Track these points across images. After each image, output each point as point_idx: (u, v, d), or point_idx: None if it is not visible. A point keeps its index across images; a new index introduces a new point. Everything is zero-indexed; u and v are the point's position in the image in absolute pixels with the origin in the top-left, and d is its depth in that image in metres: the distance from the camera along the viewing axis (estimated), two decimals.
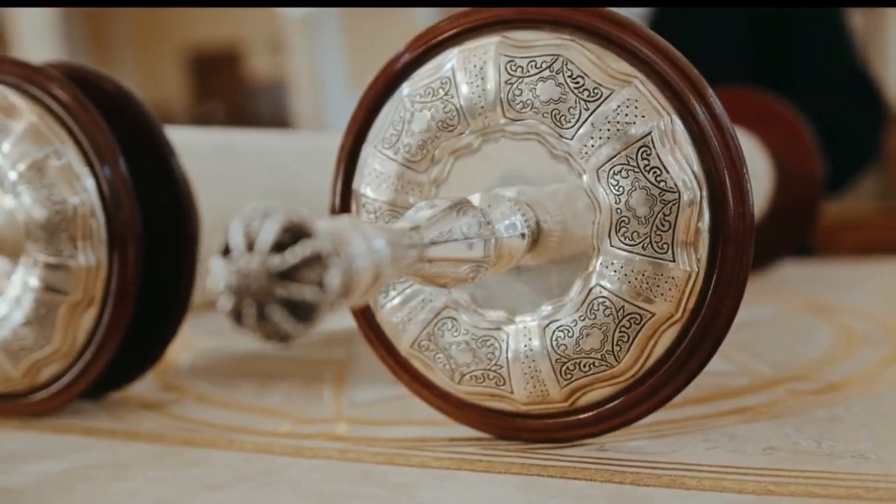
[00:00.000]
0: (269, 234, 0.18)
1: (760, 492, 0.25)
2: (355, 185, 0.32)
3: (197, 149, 0.41)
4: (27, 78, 0.37)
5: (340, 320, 0.48)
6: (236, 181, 0.48)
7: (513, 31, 0.30)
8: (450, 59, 0.30)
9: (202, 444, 0.34)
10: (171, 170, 0.40)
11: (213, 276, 0.19)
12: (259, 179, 0.48)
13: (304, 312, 0.18)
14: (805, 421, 0.31)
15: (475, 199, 0.27)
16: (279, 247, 0.18)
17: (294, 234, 0.18)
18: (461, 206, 0.25)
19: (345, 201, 0.33)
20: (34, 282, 0.36)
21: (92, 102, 0.37)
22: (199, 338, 0.55)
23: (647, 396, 0.29)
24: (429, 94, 0.31)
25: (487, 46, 0.30)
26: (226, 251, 0.19)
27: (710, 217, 0.27)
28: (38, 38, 4.20)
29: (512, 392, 0.30)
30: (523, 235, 0.27)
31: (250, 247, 0.18)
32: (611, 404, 0.29)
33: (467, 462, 0.30)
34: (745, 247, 0.27)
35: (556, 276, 0.30)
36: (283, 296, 0.18)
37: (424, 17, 1.05)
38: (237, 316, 0.19)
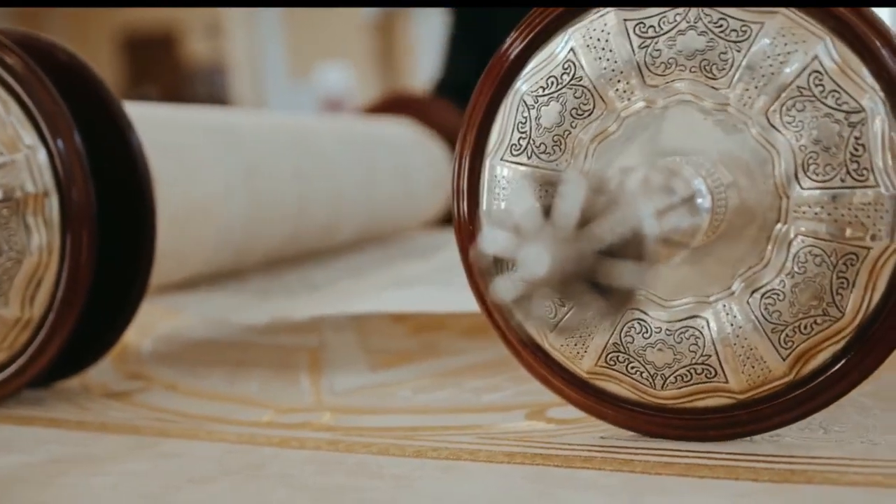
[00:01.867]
0: (575, 203, 0.17)
1: (778, 479, 0.25)
2: (486, 206, 0.30)
3: (145, 122, 0.39)
4: None
5: (307, 308, 0.46)
6: (190, 157, 0.46)
7: None
8: (565, 42, 0.28)
9: (180, 435, 0.32)
10: (130, 145, 0.38)
11: (532, 258, 0.17)
12: (215, 156, 0.47)
13: (620, 296, 0.17)
14: None
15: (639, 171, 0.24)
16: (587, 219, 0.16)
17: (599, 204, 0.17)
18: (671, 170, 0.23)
19: (476, 229, 0.30)
20: None
21: (44, 72, 0.35)
22: (161, 322, 0.53)
23: (878, 342, 0.26)
24: (552, 83, 0.28)
25: (605, 17, 0.28)
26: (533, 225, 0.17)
27: None
28: None
29: (727, 381, 0.27)
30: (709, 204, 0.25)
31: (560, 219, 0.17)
32: (842, 362, 0.26)
33: (466, 452, 0.29)
34: None
35: (732, 247, 0.27)
36: (602, 280, 0.16)
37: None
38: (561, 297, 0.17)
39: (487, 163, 0.30)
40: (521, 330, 0.30)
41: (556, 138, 0.28)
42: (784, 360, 0.26)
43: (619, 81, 0.27)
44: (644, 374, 0.28)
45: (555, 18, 0.28)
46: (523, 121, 0.29)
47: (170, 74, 5.78)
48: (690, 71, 0.26)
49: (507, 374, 0.38)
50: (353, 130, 0.69)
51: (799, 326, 0.26)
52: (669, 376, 0.28)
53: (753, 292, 0.27)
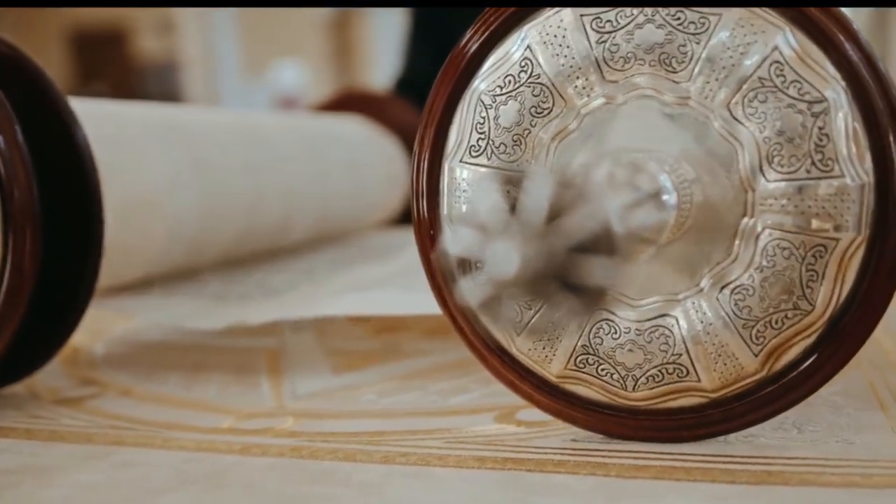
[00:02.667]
0: (541, 199, 0.16)
1: (754, 481, 0.24)
2: (447, 210, 0.29)
3: (86, 116, 0.38)
4: None
5: (268, 312, 0.45)
6: (131, 150, 0.45)
7: None
8: (521, 40, 0.27)
9: (135, 443, 0.31)
10: (74, 139, 0.36)
11: (500, 256, 0.16)
12: (159, 148, 0.45)
13: (591, 294, 0.16)
14: None
15: (603, 166, 0.23)
16: (554, 214, 0.16)
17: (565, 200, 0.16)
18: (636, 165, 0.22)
19: (437, 231, 0.29)
20: None
21: None
22: (114, 325, 0.51)
23: (849, 335, 0.25)
24: (510, 82, 0.27)
25: (562, 13, 0.27)
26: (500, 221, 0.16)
27: (861, 116, 0.24)
28: None
29: (699, 380, 0.27)
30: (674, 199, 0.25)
31: (530, 214, 0.16)
32: (814, 356, 0.26)
33: (435, 457, 0.28)
34: None
35: (698, 243, 0.26)
36: (574, 277, 0.15)
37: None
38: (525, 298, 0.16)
39: (446, 165, 0.29)
40: (486, 334, 0.29)
41: (515, 137, 0.28)
42: (756, 356, 0.26)
43: (577, 78, 0.27)
44: (615, 376, 0.27)
45: (510, 16, 0.28)
46: (482, 121, 0.28)
47: (120, 72, 5.68)
48: (650, 65, 0.26)
49: (472, 376, 0.37)
50: (304, 126, 0.68)
51: (770, 321, 0.26)
52: (640, 377, 0.27)
53: (722, 288, 0.26)
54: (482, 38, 0.28)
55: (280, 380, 0.38)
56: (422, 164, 0.29)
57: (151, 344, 0.47)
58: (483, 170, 0.28)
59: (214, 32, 4.78)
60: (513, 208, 0.16)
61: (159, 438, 0.31)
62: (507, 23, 0.28)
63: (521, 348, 0.28)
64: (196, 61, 4.80)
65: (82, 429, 0.33)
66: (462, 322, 0.29)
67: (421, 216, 0.29)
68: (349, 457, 0.28)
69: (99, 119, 0.44)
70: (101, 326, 0.51)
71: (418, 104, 0.89)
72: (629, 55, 0.26)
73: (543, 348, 0.28)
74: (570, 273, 0.16)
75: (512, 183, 0.16)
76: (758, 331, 0.26)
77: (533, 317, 0.27)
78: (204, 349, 0.45)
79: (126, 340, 0.48)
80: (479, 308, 0.17)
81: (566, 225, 0.16)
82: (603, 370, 0.28)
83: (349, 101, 0.87)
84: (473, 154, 0.28)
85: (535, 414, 0.31)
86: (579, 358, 0.28)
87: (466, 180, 0.28)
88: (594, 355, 0.28)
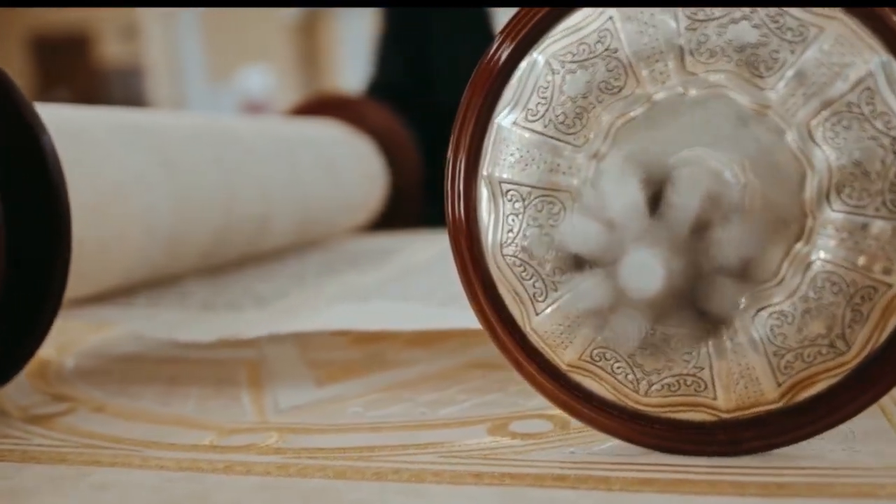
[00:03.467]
0: (690, 208, 0.14)
1: (764, 493, 0.24)
2: (487, 169, 0.27)
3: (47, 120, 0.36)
4: None
5: (259, 324, 0.43)
6: (96, 150, 0.43)
7: None
8: (602, 10, 0.25)
9: (112, 463, 0.29)
10: (41, 148, 0.35)
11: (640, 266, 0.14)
12: (125, 149, 0.44)
13: (717, 322, 0.15)
14: None
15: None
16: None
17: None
18: None
19: (470, 190, 0.28)
20: None
21: None
22: (82, 337, 0.50)
23: (876, 381, 0.24)
24: (584, 50, 0.25)
25: None
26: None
27: None
28: None
29: (715, 398, 0.25)
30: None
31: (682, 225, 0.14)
32: (837, 396, 0.25)
33: (430, 473, 0.27)
34: None
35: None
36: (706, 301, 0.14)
37: (289, 9, 1.02)
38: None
39: (495, 121, 0.27)
40: (501, 308, 0.28)
41: (578, 110, 0.26)
42: (779, 385, 0.25)
43: (656, 62, 0.25)
44: (629, 377, 0.26)
45: None
46: (546, 85, 0.26)
47: (83, 77, 5.60)
48: (736, 64, 0.24)
49: (460, 386, 0.36)
50: (276, 127, 0.67)
51: (802, 354, 0.25)
52: (656, 383, 0.26)
53: (760, 310, 0.25)
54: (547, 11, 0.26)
55: (261, 393, 0.37)
56: (458, 162, 0.28)
57: (124, 356, 0.46)
58: (535, 137, 0.26)
59: (179, 37, 4.74)
60: (652, 208, 0.15)
61: (137, 457, 0.30)
62: None
63: (536, 328, 0.27)
64: (161, 66, 4.75)
65: (55, 448, 0.31)
66: (477, 289, 0.28)
67: (457, 217, 0.28)
68: (339, 474, 0.27)
69: (63, 121, 0.43)
70: (70, 338, 0.49)
71: (392, 108, 0.88)
72: (717, 49, 0.24)
73: (561, 333, 0.27)
74: (704, 295, 0.15)
75: (654, 175, 0.15)
76: (787, 361, 0.25)
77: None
78: (180, 361, 0.43)
79: (97, 353, 0.47)
80: (587, 313, 0.16)
81: (715, 243, 0.15)
82: (619, 368, 0.26)
83: (322, 105, 0.85)
84: (530, 118, 0.26)
85: (529, 425, 0.30)
86: (597, 350, 0.26)
87: (515, 143, 0.27)
88: (614, 351, 0.26)
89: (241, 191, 0.53)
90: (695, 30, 0.24)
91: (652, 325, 0.22)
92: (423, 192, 0.89)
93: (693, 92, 0.25)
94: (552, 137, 0.26)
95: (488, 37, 0.99)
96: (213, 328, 0.40)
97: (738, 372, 0.25)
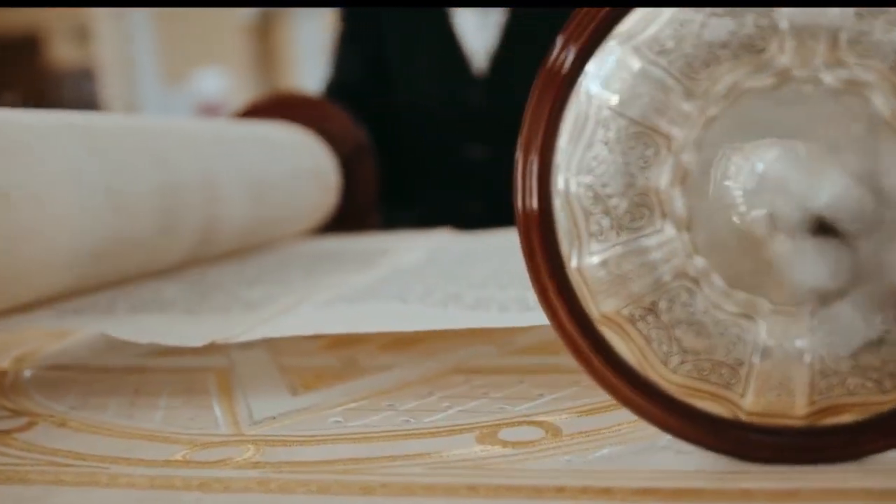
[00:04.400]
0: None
1: (772, 500, 0.22)
2: (587, 82, 0.25)
3: None
4: None
5: (254, 329, 0.42)
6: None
7: None
8: None
9: (77, 482, 0.27)
10: None
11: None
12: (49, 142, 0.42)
13: None
14: None
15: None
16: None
17: None
18: None
19: (564, 94, 0.25)
20: None
21: None
22: (40, 346, 0.47)
23: None
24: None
25: None
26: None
27: None
28: None
29: (742, 395, 0.24)
30: None
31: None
32: (857, 433, 0.24)
33: (420, 486, 0.25)
34: None
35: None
36: None
37: (244, 10, 1.00)
38: None
39: (616, 44, 0.25)
40: (549, 237, 0.26)
41: (708, 59, 0.23)
42: (811, 404, 0.24)
43: (810, 37, 0.22)
44: (662, 347, 0.24)
45: None
46: (687, 21, 0.23)
47: (34, 79, 5.48)
48: (891, 67, 0.22)
49: (442, 392, 0.35)
50: (222, 126, 0.65)
51: (847, 383, 0.23)
52: (687, 362, 0.24)
53: (822, 324, 0.23)
54: None
55: (233, 402, 0.35)
56: (530, 155, 0.26)
57: (84, 366, 0.43)
58: (655, 71, 0.24)
59: (132, 38, 4.66)
60: None
61: (104, 475, 0.28)
62: None
63: (583, 267, 0.25)
64: (113, 68, 4.66)
65: (15, 467, 0.29)
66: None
67: (528, 210, 0.26)
68: (324, 489, 0.26)
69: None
70: (26, 348, 0.47)
71: (349, 108, 0.86)
72: (876, 46, 0.22)
73: (609, 281, 0.25)
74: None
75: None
76: (831, 384, 0.23)
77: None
78: (143, 370, 0.41)
79: (55, 363, 0.44)
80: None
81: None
82: (655, 335, 0.24)
83: (275, 105, 0.83)
84: (654, 50, 0.24)
85: (520, 433, 0.29)
86: (638, 311, 0.24)
87: (626, 73, 0.24)
88: (655, 316, 0.24)
89: (184, 191, 0.51)
90: (861, 18, 0.22)
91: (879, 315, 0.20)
92: (381, 194, 0.87)
93: (830, 80, 0.23)
94: (672, 76, 0.24)
95: (448, 35, 0.97)
96: (205, 331, 0.38)
97: (776, 378, 0.24)
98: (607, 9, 0.25)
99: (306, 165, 0.71)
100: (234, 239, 0.60)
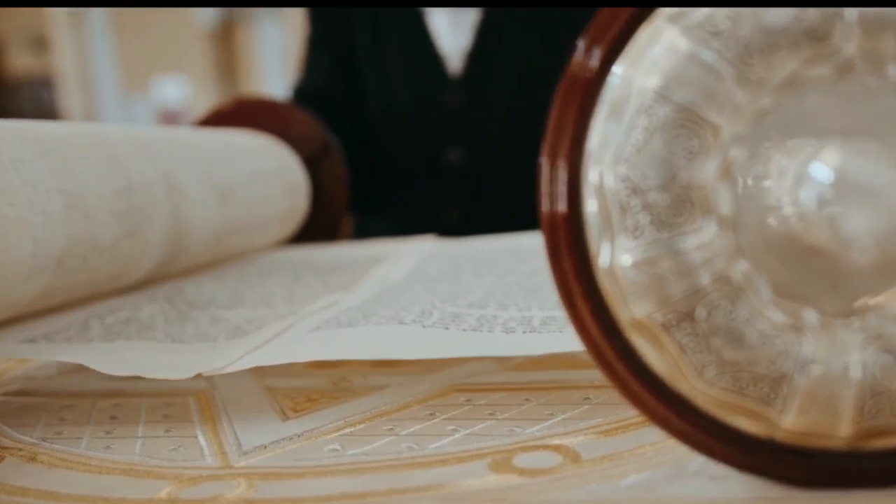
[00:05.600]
0: None
1: None
2: (624, 66, 0.23)
3: None
4: None
5: (247, 358, 0.39)
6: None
7: None
8: None
9: None
10: None
11: None
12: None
13: None
14: None
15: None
16: None
17: None
18: None
19: (591, 98, 0.23)
20: None
21: None
22: (5, 371, 0.44)
23: None
24: None
25: None
26: None
27: None
28: None
29: (782, 412, 0.22)
30: None
31: None
32: None
33: None
34: None
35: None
36: None
37: (204, 17, 0.97)
38: None
39: (661, 24, 0.23)
40: (577, 233, 0.24)
41: (766, 46, 0.21)
42: (856, 425, 0.22)
43: (878, 30, 0.21)
44: (698, 358, 0.22)
45: None
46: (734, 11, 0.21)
47: None
48: None
49: (443, 414, 0.32)
50: (187, 134, 0.62)
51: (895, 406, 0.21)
52: (725, 374, 0.22)
53: (876, 339, 0.21)
54: None
55: (219, 429, 0.33)
56: (558, 159, 0.24)
57: (55, 391, 0.40)
58: (709, 54, 0.22)
59: (90, 46, 4.58)
60: None
61: None
62: None
63: (614, 266, 0.23)
64: (72, 77, 4.58)
65: None
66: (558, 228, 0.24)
67: (556, 216, 0.24)
68: None
69: None
70: None
71: (319, 113, 0.83)
72: None
73: (642, 282, 0.22)
74: None
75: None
76: (879, 406, 0.21)
77: None
78: (119, 395, 0.38)
79: (22, 388, 0.41)
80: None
81: None
82: (691, 345, 0.22)
83: (237, 111, 0.80)
84: (709, 30, 0.22)
85: (536, 459, 0.27)
86: (672, 316, 0.22)
87: (682, 54, 0.22)
88: (691, 323, 0.22)
89: (146, 191, 0.48)
90: None
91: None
92: (354, 201, 0.85)
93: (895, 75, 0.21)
94: (726, 60, 0.22)
95: (421, 36, 0.95)
96: (186, 362, 0.35)
97: (820, 397, 0.22)
98: (632, 8, 0.23)
99: (270, 166, 0.69)
100: (206, 244, 0.57)
